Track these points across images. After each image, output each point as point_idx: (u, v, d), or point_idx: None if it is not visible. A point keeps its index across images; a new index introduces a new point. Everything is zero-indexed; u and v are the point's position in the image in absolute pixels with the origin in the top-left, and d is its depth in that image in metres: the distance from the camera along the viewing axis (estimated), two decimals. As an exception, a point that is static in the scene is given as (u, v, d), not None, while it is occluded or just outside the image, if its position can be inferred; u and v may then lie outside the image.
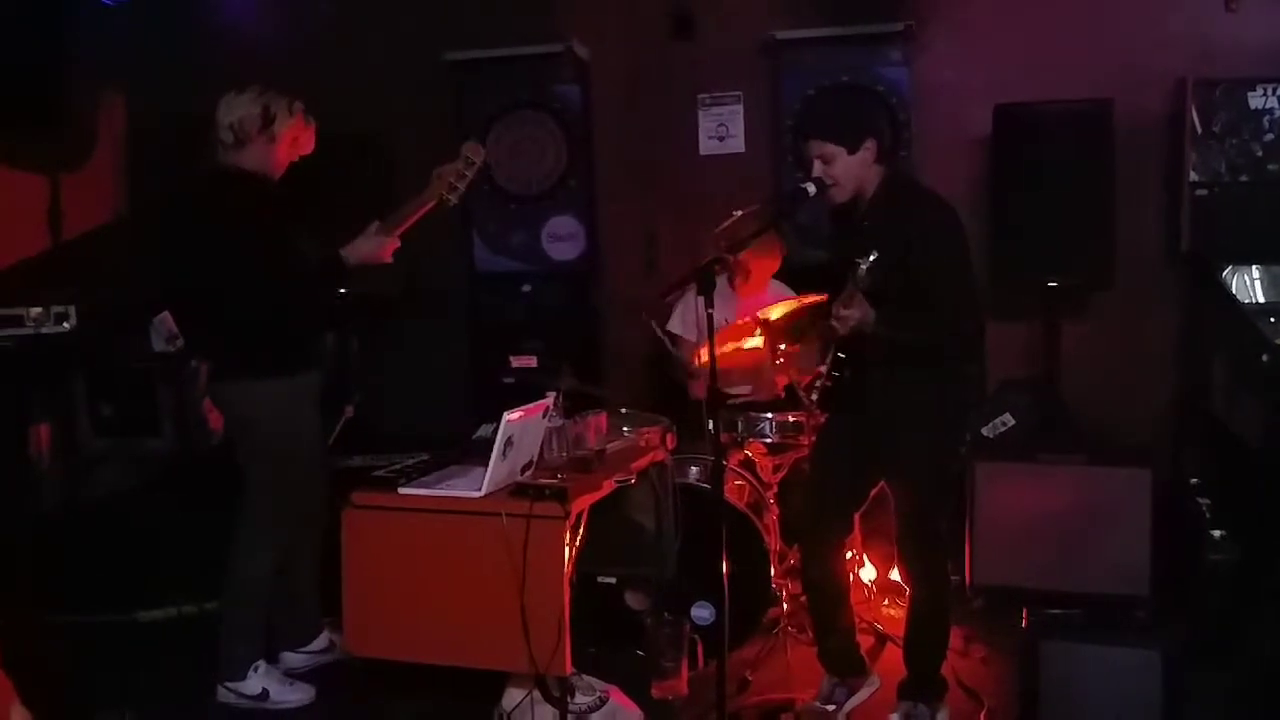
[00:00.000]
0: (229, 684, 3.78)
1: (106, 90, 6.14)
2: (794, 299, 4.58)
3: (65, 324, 5.07)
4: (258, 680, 3.79)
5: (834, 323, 3.25)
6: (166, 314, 5.23)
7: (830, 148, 3.31)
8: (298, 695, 3.83)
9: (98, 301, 5.23)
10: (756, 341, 4.20)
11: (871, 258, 3.10)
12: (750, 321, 4.17)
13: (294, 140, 3.80)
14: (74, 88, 5.45)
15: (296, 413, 3.77)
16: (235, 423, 3.85)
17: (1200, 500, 4.44)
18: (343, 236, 3.81)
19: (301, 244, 3.72)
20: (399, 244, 3.82)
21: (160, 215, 3.95)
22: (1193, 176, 4.95)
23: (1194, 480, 4.63)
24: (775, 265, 4.73)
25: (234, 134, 3.67)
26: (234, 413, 3.83)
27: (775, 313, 4.13)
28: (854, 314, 3.18)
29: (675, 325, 4.82)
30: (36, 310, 4.98)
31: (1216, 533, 4.28)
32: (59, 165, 5.77)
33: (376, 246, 3.77)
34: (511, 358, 5.72)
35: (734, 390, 4.71)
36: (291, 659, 4.06)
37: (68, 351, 5.15)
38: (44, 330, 4.99)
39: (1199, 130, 4.93)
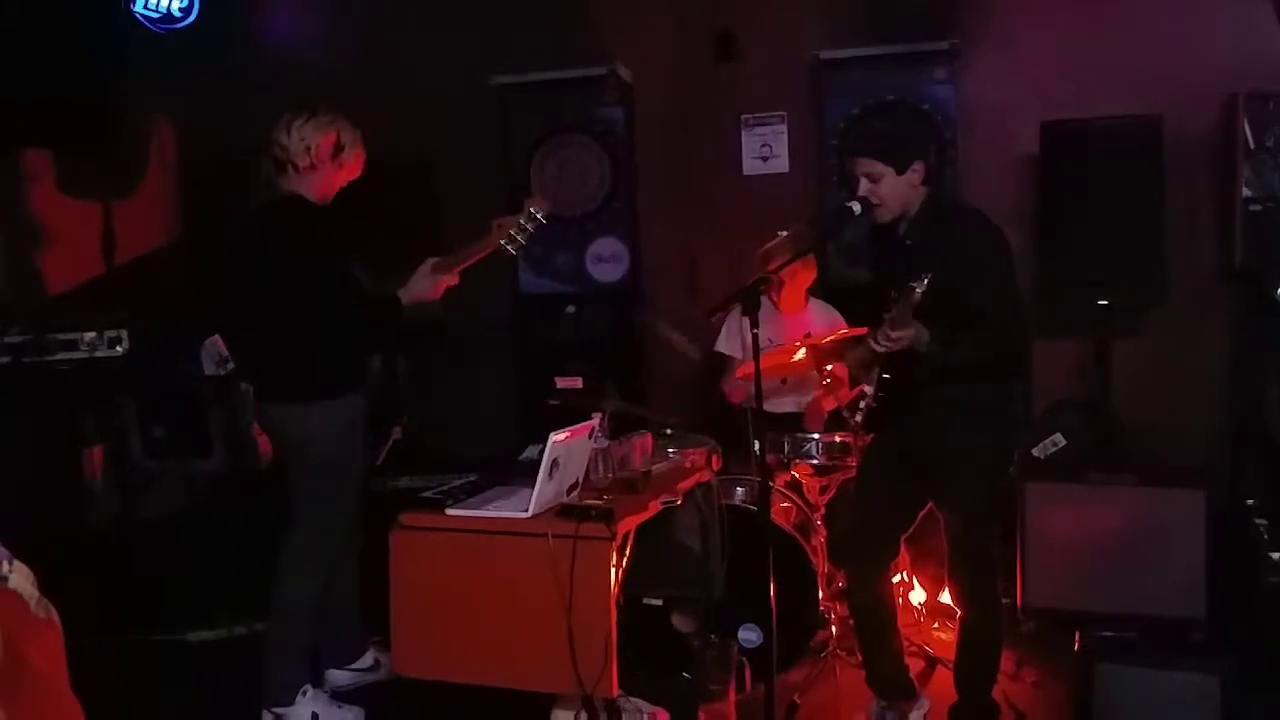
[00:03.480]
0: (277, 710, 3.71)
1: (158, 117, 6.25)
2: (840, 322, 4.57)
3: (118, 347, 5.14)
4: (307, 705, 3.73)
5: (880, 345, 3.21)
6: (217, 337, 5.29)
7: (879, 166, 3.30)
8: (346, 716, 3.81)
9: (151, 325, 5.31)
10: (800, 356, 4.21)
11: (926, 280, 3.07)
12: (795, 346, 4.19)
13: (354, 167, 3.83)
14: (128, 114, 5.55)
15: (344, 435, 3.76)
16: (284, 445, 3.87)
17: (1258, 521, 4.36)
18: (389, 261, 3.82)
19: (355, 271, 3.74)
20: (455, 281, 3.80)
21: (227, 241, 3.99)
22: (1245, 192, 4.88)
23: (1251, 501, 4.54)
24: (810, 278, 4.68)
25: (309, 157, 3.67)
26: (283, 435, 3.86)
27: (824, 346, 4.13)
28: (904, 335, 3.15)
29: (722, 345, 4.81)
30: (90, 334, 5.06)
31: (1275, 554, 4.20)
32: (112, 191, 5.88)
33: (431, 285, 3.75)
34: (557, 379, 5.73)
35: (780, 405, 4.69)
36: (337, 677, 4.07)
37: (121, 374, 5.22)
38: (98, 354, 5.06)
39: (1251, 145, 4.86)
